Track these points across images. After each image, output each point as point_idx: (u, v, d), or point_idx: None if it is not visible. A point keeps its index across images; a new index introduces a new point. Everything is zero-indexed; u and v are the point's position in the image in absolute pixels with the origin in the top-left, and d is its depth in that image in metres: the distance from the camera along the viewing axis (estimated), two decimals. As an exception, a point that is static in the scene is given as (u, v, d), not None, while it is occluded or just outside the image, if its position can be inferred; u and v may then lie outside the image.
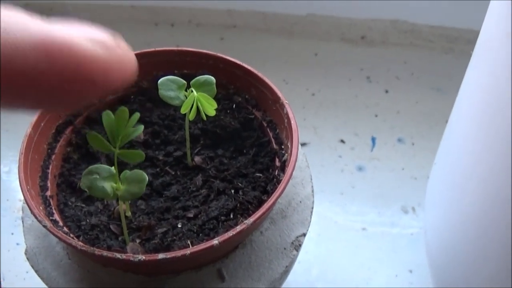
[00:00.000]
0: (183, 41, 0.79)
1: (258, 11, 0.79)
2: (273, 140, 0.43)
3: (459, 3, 0.75)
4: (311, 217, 0.43)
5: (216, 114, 0.45)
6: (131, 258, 0.34)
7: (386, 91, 0.74)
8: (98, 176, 0.33)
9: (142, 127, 0.28)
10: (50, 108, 0.25)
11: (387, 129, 0.70)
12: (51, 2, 0.81)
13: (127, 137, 0.29)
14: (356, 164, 0.67)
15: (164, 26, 0.82)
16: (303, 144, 0.68)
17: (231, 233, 0.35)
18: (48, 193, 0.41)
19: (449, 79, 0.75)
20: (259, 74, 0.44)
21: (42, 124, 0.43)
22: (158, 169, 0.43)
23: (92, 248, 0.36)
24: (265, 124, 0.44)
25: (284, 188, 0.37)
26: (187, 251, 0.34)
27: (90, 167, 0.34)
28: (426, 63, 0.78)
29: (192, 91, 0.36)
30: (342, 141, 0.69)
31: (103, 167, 0.34)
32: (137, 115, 0.28)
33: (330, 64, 0.77)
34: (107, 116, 0.28)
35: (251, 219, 0.35)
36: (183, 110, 0.35)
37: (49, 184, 0.42)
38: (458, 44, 0.78)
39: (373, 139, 0.69)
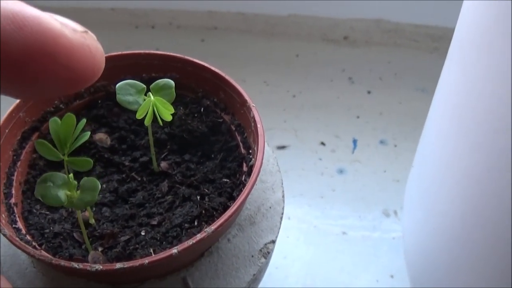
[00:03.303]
0: (163, 43, 0.78)
1: (239, 12, 0.78)
2: (241, 144, 0.42)
3: (443, 1, 0.74)
4: (281, 224, 0.42)
5: (183, 118, 0.44)
6: (88, 268, 0.33)
7: (369, 92, 0.73)
8: (52, 184, 0.32)
9: (88, 133, 0.27)
10: (7, 87, 0.25)
11: (369, 131, 0.69)
12: (31, 4, 0.80)
13: (74, 144, 0.28)
14: (337, 167, 0.66)
15: (145, 28, 0.81)
16: (282, 147, 0.67)
17: (191, 241, 0.34)
18: (12, 200, 0.41)
19: (433, 79, 0.73)
20: (227, 77, 0.43)
21: (7, 131, 0.42)
22: (124, 175, 0.42)
23: (50, 257, 0.35)
24: (234, 128, 0.43)
25: (248, 194, 0.36)
26: (145, 261, 0.33)
27: (45, 174, 0.33)
28: (410, 63, 0.77)
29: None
30: (323, 143, 0.68)
31: (58, 174, 0.33)
32: (83, 121, 0.27)
33: (312, 65, 0.76)
34: (54, 123, 0.27)
35: (212, 227, 0.34)
36: (138, 115, 0.34)
37: (13, 191, 0.41)
38: (443, 44, 0.78)
39: (355, 141, 0.68)
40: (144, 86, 0.37)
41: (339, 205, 0.63)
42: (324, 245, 0.60)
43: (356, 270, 0.58)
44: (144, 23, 0.81)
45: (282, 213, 0.42)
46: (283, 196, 0.43)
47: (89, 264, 0.34)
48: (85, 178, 0.34)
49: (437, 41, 0.78)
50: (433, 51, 0.78)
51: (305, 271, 0.58)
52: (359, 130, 0.69)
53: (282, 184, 0.44)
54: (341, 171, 0.66)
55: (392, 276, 0.58)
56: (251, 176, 0.37)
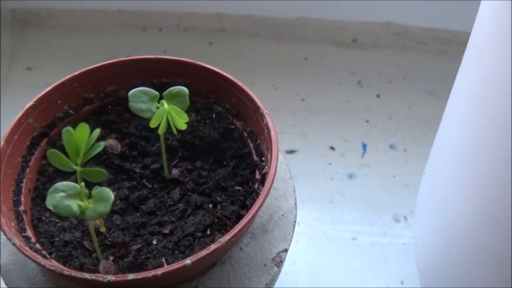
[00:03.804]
0: (171, 46, 0.77)
1: (247, 14, 0.78)
2: (253, 151, 0.42)
3: (452, 4, 0.73)
4: (293, 232, 0.41)
5: (195, 124, 0.44)
6: (100, 279, 0.33)
7: (378, 96, 0.73)
8: (64, 194, 0.32)
9: (102, 144, 0.27)
10: None
11: (378, 135, 0.69)
12: (38, 7, 0.80)
13: (88, 155, 0.27)
14: (346, 172, 0.65)
15: (152, 30, 0.80)
16: (291, 152, 0.67)
17: (204, 252, 0.33)
18: (22, 208, 0.40)
19: (443, 82, 0.73)
20: (239, 83, 0.42)
21: (16, 137, 0.42)
22: (134, 182, 0.42)
23: (60, 267, 0.34)
24: (246, 135, 0.43)
25: (262, 203, 0.35)
26: (158, 272, 0.33)
27: (56, 184, 0.33)
28: (419, 66, 0.76)
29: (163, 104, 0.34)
30: (332, 147, 0.67)
31: (69, 184, 0.32)
32: (97, 131, 0.26)
33: (321, 68, 0.75)
34: (67, 133, 0.26)
35: (226, 237, 0.34)
36: (152, 124, 0.33)
37: (22, 199, 0.41)
38: (452, 46, 0.77)
39: (364, 146, 0.68)
40: (157, 93, 0.36)
41: (348, 210, 0.62)
42: (334, 251, 0.59)
43: (366, 276, 0.57)
44: (152, 25, 0.80)
45: (295, 221, 0.42)
46: (295, 204, 0.43)
47: (101, 275, 0.33)
48: (97, 188, 0.33)
49: (445, 44, 0.77)
50: (442, 54, 0.77)
51: (315, 277, 0.57)
52: (368, 134, 0.69)
53: (294, 191, 0.43)
54: (350, 176, 0.65)
55: (402, 282, 0.57)
56: (265, 184, 0.36)
